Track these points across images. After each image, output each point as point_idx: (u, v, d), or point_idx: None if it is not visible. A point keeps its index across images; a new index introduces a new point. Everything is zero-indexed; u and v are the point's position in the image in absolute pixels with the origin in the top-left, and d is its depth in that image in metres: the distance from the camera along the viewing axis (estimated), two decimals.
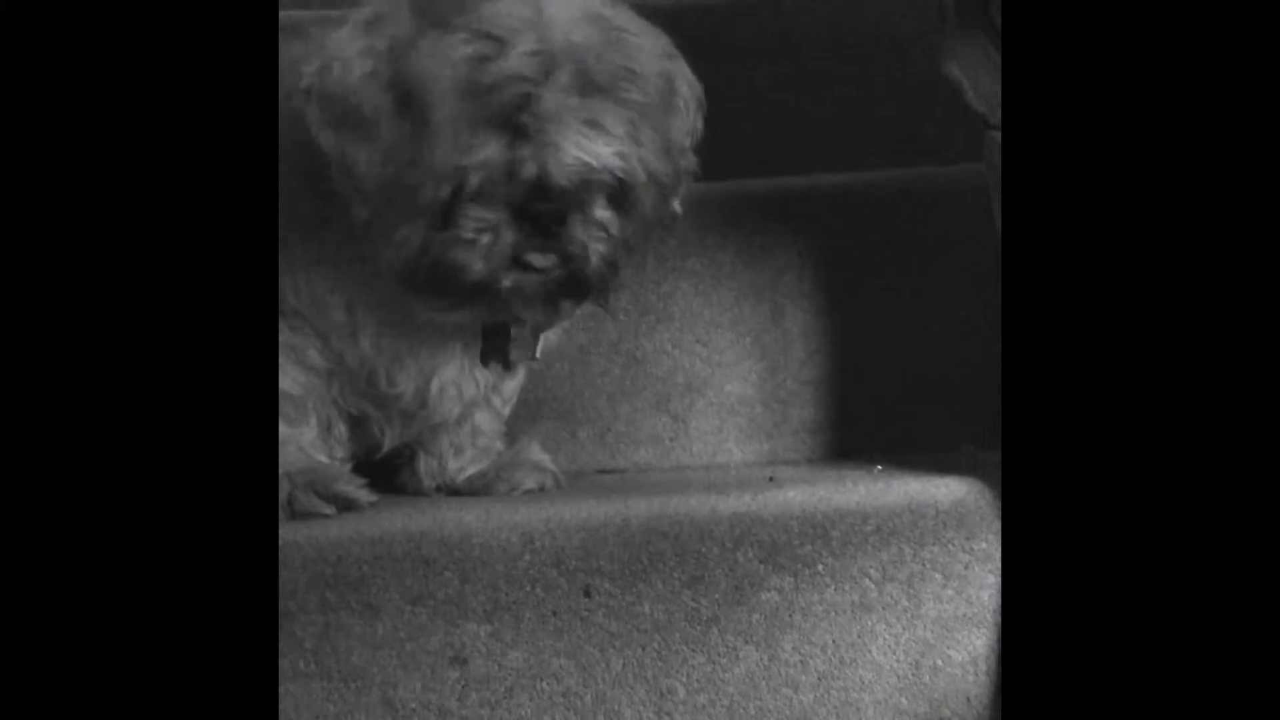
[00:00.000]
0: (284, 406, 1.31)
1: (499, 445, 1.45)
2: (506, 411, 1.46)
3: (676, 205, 1.29)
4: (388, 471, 1.44)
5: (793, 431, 1.56)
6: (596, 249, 1.22)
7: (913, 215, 1.58)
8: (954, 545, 1.21)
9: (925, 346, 1.56)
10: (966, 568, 1.21)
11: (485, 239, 1.20)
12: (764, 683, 1.21)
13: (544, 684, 1.21)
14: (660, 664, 1.21)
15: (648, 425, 1.55)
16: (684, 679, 1.21)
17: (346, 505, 1.32)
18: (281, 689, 1.19)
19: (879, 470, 1.41)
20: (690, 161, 1.28)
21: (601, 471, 1.56)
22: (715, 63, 1.35)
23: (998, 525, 1.21)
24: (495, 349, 1.31)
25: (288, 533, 1.23)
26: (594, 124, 1.18)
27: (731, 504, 1.24)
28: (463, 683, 1.21)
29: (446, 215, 1.19)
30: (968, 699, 1.21)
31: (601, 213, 1.22)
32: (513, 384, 1.44)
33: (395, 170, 1.18)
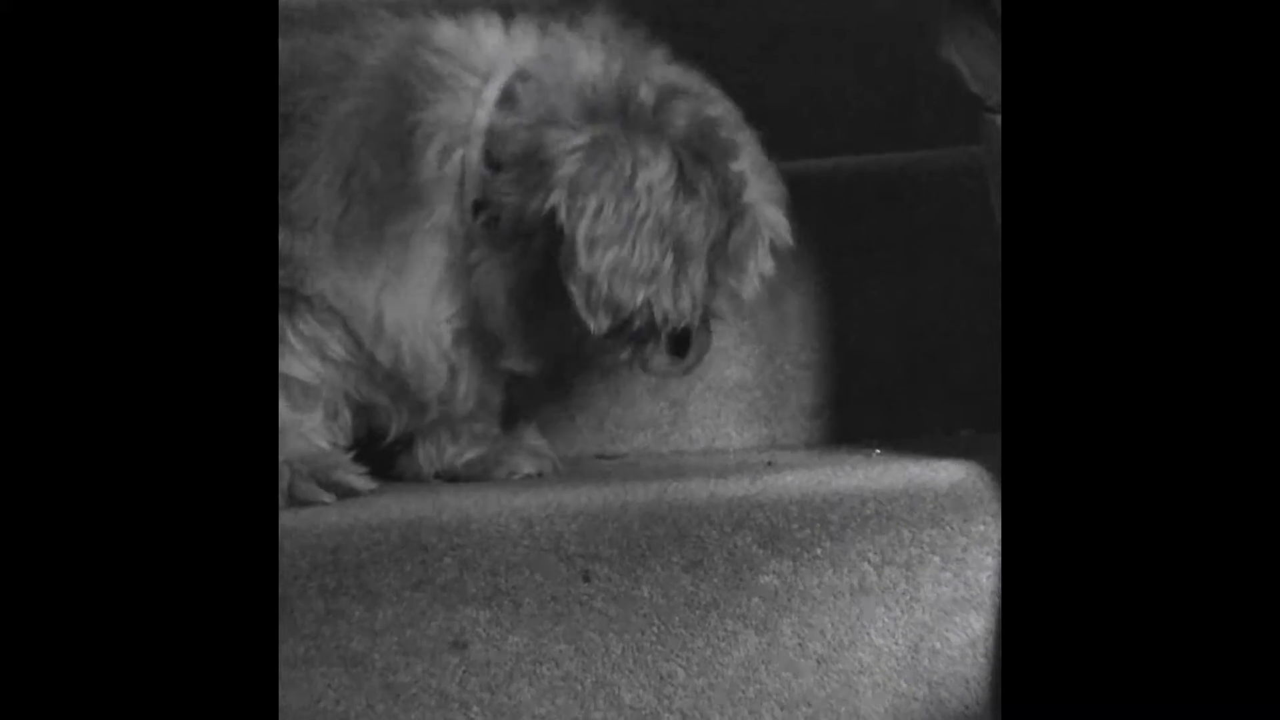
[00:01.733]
0: (294, 393, 1.32)
1: (495, 431, 1.46)
2: (501, 398, 1.46)
3: None
4: (386, 458, 1.44)
5: (791, 416, 1.56)
6: None
7: (910, 199, 1.58)
8: (952, 528, 1.21)
9: (923, 330, 1.56)
10: (964, 551, 1.21)
11: (646, 350, 1.32)
12: (763, 666, 1.21)
13: (544, 668, 1.21)
14: (660, 648, 1.21)
15: (646, 410, 1.55)
16: (683, 663, 1.21)
17: (346, 493, 1.33)
18: (282, 675, 1.19)
19: (877, 454, 1.41)
20: None
21: (600, 456, 1.56)
22: (709, 47, 1.35)
23: (995, 508, 1.21)
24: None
25: (287, 519, 1.23)
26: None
27: (730, 488, 1.24)
28: (463, 668, 1.21)
29: (621, 330, 1.29)
30: (966, 681, 1.22)
31: None
32: None
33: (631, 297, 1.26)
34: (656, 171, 1.25)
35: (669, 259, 1.26)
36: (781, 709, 1.21)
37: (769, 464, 1.39)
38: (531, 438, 1.46)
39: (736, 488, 1.24)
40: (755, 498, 1.22)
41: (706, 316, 1.34)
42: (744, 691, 1.21)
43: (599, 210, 1.23)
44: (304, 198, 1.28)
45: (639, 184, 1.25)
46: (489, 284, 1.29)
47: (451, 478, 1.44)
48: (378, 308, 1.30)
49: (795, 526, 1.21)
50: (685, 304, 1.28)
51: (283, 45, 1.32)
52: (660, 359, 1.34)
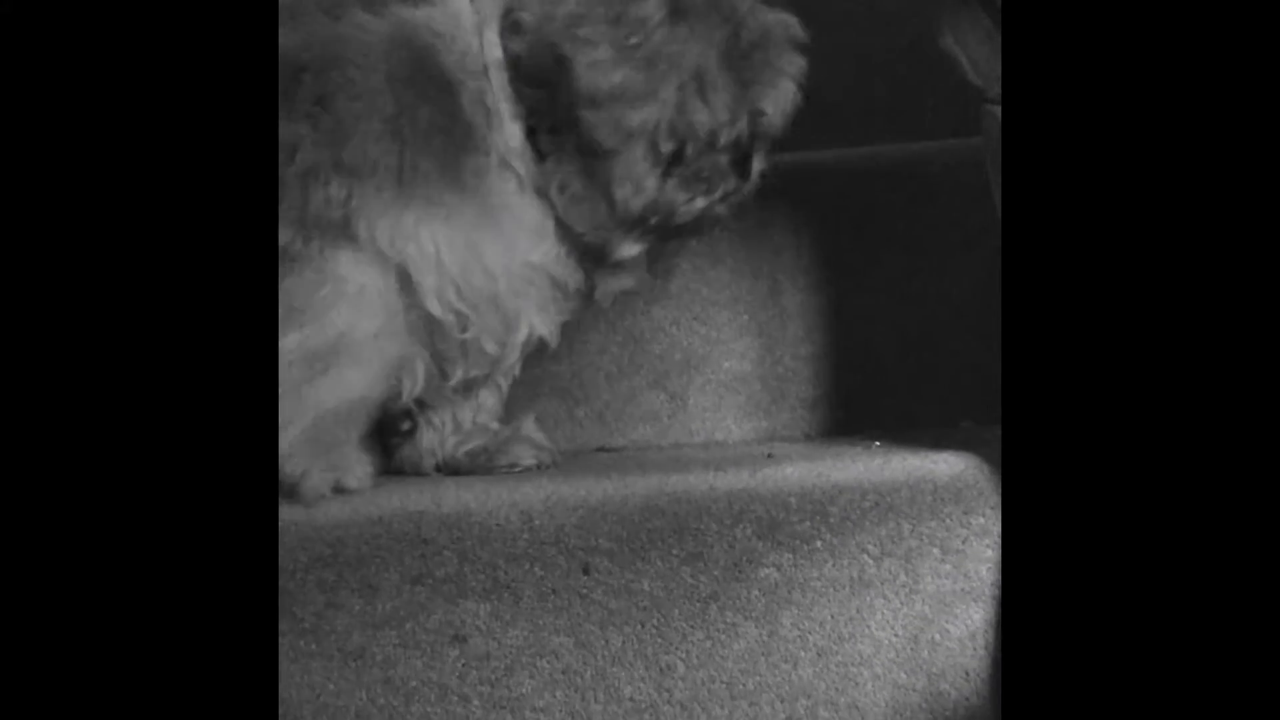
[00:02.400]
0: (343, 349, 1.30)
1: (495, 425, 1.46)
2: (506, 388, 1.46)
3: None
4: (386, 450, 1.44)
5: (791, 408, 1.56)
6: None
7: (910, 191, 1.58)
8: (952, 520, 1.21)
9: (923, 322, 1.56)
10: (964, 543, 1.21)
11: (717, 183, 1.35)
12: (763, 658, 1.21)
13: (544, 662, 1.21)
14: (660, 641, 1.21)
15: (646, 403, 1.56)
16: (683, 655, 1.21)
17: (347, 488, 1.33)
18: (281, 669, 1.20)
19: (877, 446, 1.41)
20: None
21: (600, 449, 1.56)
22: None
23: (995, 500, 1.21)
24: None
25: (287, 513, 1.23)
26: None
27: (730, 481, 1.24)
28: (463, 661, 1.21)
29: (678, 161, 1.33)
30: (966, 673, 1.22)
31: None
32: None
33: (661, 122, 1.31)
34: (647, 6, 1.31)
35: (674, 81, 1.30)
36: (781, 701, 1.21)
37: (769, 456, 1.39)
38: (531, 430, 1.46)
39: (736, 480, 1.24)
40: (755, 490, 1.23)
41: (756, 137, 1.37)
42: (744, 684, 1.21)
43: (594, 40, 1.29)
44: (356, 149, 1.29)
45: (630, 15, 1.30)
46: (591, 191, 1.33)
47: (453, 469, 1.44)
48: (469, 249, 1.31)
49: (795, 519, 1.21)
50: (723, 115, 1.32)
51: (288, 34, 1.33)
52: (729, 179, 1.36)
